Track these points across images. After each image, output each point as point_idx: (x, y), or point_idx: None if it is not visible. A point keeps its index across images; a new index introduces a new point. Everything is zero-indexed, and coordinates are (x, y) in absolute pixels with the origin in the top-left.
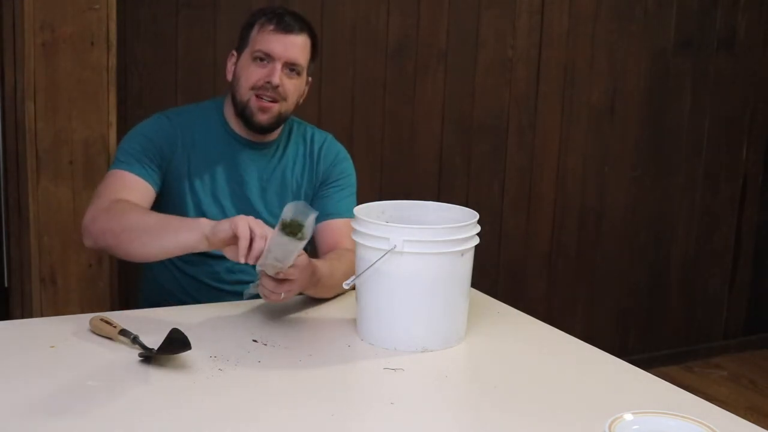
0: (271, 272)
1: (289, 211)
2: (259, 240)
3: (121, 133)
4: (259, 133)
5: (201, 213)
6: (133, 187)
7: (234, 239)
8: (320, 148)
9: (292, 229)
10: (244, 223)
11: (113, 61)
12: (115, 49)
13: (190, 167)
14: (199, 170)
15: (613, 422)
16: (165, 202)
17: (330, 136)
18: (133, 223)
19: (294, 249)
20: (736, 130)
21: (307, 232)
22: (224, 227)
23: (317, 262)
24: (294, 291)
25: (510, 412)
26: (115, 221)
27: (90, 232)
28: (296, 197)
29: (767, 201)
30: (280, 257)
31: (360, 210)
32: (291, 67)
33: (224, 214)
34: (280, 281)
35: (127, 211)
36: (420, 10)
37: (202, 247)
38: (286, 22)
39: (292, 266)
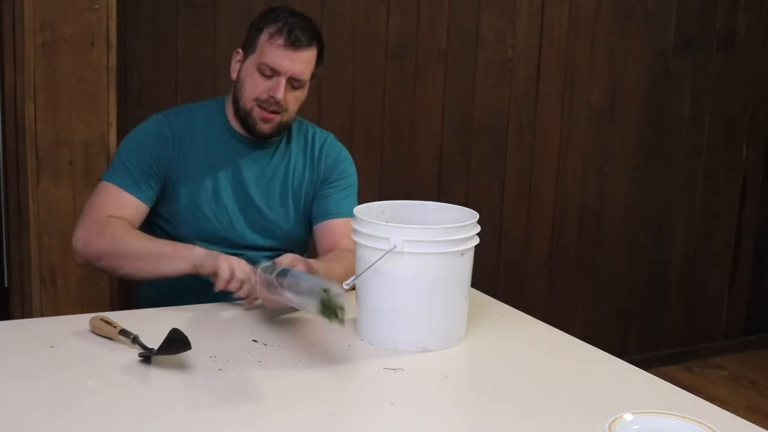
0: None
1: (335, 291)
2: (235, 283)
3: (121, 133)
4: (261, 139)
5: (202, 212)
6: (124, 206)
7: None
8: (321, 148)
9: (330, 311)
10: (225, 265)
11: (113, 61)
12: (115, 49)
13: (191, 167)
14: (200, 170)
15: (613, 422)
16: (167, 203)
17: (331, 136)
18: (128, 249)
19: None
20: (736, 130)
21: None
22: (208, 264)
23: (315, 265)
24: None
25: (510, 412)
26: (109, 246)
27: (82, 255)
28: (297, 195)
29: (767, 201)
30: (292, 305)
31: (360, 210)
32: (295, 82)
33: (226, 213)
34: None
35: (123, 235)
36: (420, 10)
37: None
38: (295, 36)
39: None
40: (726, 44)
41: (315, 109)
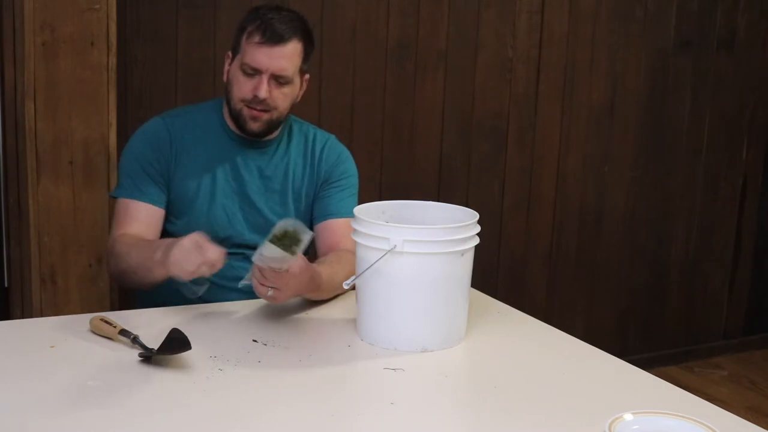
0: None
1: (287, 224)
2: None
3: (121, 133)
4: (255, 138)
5: (201, 213)
6: (137, 217)
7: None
8: (322, 149)
9: (287, 242)
10: (176, 269)
11: (113, 61)
12: (115, 49)
13: (189, 168)
14: (199, 170)
15: (613, 422)
16: (174, 205)
17: (333, 137)
18: (128, 264)
19: (286, 260)
20: (736, 130)
21: (301, 248)
22: (168, 270)
23: (318, 268)
24: (287, 294)
25: (510, 412)
26: (118, 265)
27: (112, 278)
28: (297, 196)
29: (767, 201)
30: (275, 266)
31: (360, 210)
32: (279, 78)
33: (225, 214)
34: (271, 276)
35: (125, 252)
36: (420, 11)
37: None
38: (273, 31)
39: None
40: (726, 44)
41: (315, 110)
